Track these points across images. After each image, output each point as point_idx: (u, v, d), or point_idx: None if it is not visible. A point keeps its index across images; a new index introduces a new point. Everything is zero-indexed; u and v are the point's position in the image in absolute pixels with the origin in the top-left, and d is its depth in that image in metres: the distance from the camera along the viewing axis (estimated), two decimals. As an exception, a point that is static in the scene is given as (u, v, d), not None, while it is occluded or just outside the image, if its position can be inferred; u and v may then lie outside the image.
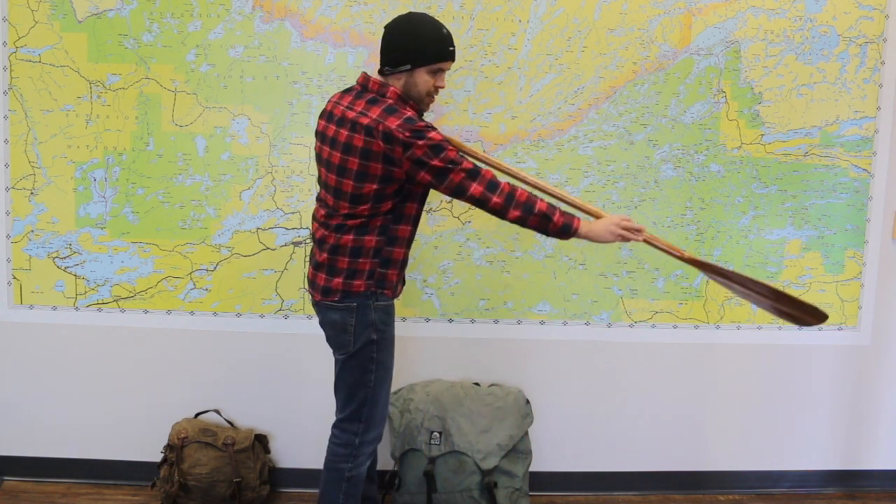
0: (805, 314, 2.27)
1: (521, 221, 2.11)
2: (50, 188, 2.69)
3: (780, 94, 2.77)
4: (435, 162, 2.05)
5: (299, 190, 2.71)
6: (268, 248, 2.74)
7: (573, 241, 2.73)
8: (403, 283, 2.31)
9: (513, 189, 2.11)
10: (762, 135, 2.79)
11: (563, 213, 2.14)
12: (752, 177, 2.80)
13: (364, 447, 2.20)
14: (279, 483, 2.85)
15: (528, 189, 2.19)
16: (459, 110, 2.71)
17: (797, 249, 2.86)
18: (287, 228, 2.73)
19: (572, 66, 2.71)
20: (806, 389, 2.94)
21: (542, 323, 2.83)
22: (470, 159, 2.14)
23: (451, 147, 2.09)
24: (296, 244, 2.73)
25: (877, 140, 2.82)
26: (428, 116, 2.69)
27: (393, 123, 2.03)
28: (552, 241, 2.78)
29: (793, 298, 2.28)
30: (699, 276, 2.84)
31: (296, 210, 2.72)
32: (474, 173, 2.08)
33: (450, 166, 2.06)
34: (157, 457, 2.76)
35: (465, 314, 2.81)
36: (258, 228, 2.73)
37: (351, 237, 2.12)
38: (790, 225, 2.84)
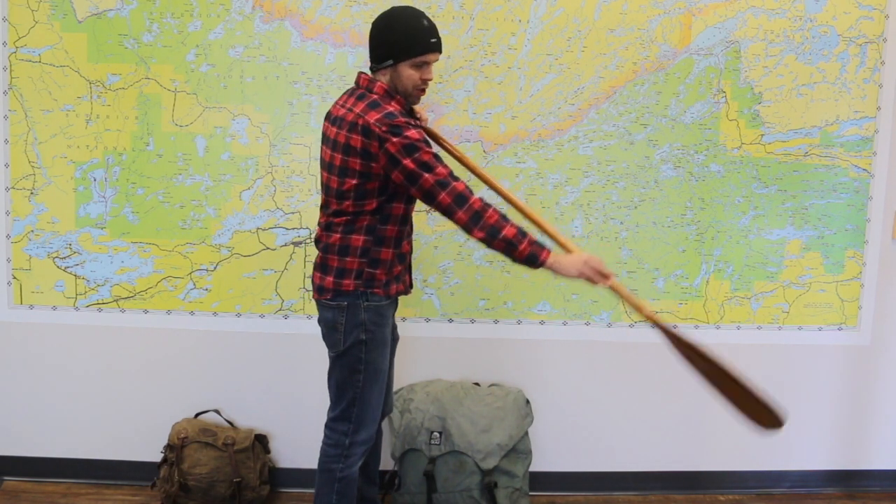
0: (764, 416, 2.10)
1: (486, 243, 2.04)
2: (50, 188, 2.69)
3: (780, 94, 2.77)
4: (406, 162, 2.01)
5: (299, 190, 2.71)
6: (268, 248, 2.74)
7: (574, 241, 2.76)
8: (408, 282, 2.28)
9: (483, 207, 2.02)
10: (762, 135, 2.79)
11: (533, 243, 2.04)
12: (752, 177, 2.80)
13: (355, 447, 2.19)
14: (279, 483, 2.85)
15: (509, 208, 2.13)
16: (459, 110, 2.71)
17: (797, 249, 2.86)
18: (287, 228, 2.73)
19: (572, 66, 2.71)
20: (806, 389, 2.94)
21: (542, 323, 2.83)
22: (445, 168, 2.03)
23: (426, 149, 2.02)
24: (296, 244, 2.73)
25: (877, 140, 2.82)
26: (428, 116, 2.70)
27: (372, 118, 2.03)
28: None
29: (757, 399, 2.07)
30: (699, 276, 2.84)
31: (296, 210, 2.72)
32: (444, 182, 2.01)
33: (420, 170, 2.01)
34: (157, 457, 2.76)
35: (465, 314, 2.81)
36: (258, 228, 2.73)
37: (338, 236, 2.13)
38: (790, 225, 2.84)
